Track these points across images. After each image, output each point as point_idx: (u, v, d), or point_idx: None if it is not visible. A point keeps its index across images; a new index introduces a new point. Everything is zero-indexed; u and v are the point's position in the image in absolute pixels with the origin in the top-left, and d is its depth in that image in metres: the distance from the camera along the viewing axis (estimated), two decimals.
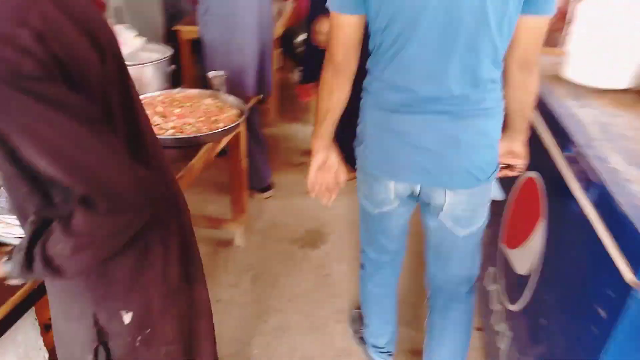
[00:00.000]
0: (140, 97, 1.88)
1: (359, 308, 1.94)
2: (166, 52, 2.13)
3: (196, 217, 2.58)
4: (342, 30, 1.20)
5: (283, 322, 2.03)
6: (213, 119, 1.83)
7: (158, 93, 1.97)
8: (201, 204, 2.78)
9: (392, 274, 1.70)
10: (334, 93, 1.29)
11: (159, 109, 1.82)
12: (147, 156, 0.87)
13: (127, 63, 0.88)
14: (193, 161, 1.66)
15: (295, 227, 2.62)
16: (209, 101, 1.96)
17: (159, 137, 1.66)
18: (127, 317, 0.92)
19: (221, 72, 2.13)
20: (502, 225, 1.78)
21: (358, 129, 1.37)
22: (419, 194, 1.34)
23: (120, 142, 0.78)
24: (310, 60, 2.75)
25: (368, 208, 1.48)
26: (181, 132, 1.73)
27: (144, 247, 0.88)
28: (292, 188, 2.97)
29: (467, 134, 1.21)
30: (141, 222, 0.78)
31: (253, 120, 2.49)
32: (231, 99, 2.01)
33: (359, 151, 1.38)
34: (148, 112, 1.81)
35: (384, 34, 1.17)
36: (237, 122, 1.83)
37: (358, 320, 1.96)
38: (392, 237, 1.56)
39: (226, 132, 1.80)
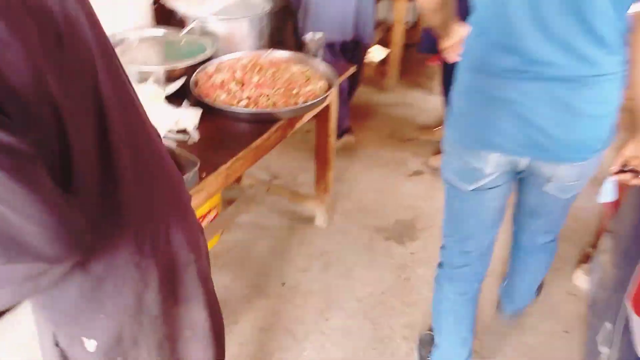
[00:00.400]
0: (224, 58, 1.73)
1: (431, 330, 1.67)
2: (264, 6, 1.92)
3: (279, 187, 2.48)
4: None
5: (345, 324, 1.83)
6: (294, 91, 1.61)
7: (243, 54, 1.79)
8: (293, 170, 2.63)
9: (475, 277, 1.47)
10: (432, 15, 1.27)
11: (238, 74, 1.64)
12: (116, 168, 0.69)
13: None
14: (257, 142, 1.47)
15: (386, 214, 2.35)
16: (297, 68, 1.74)
17: (227, 108, 1.51)
18: (90, 345, 0.78)
19: (319, 34, 1.89)
20: (632, 278, 1.34)
21: (451, 94, 1.24)
22: (522, 167, 1.22)
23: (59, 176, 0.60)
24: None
25: (458, 186, 1.31)
26: (255, 105, 1.55)
27: (99, 276, 0.72)
28: (395, 167, 2.67)
29: (587, 104, 1.08)
30: (64, 267, 0.61)
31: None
32: (323, 67, 1.77)
33: (451, 121, 1.25)
34: (226, 76, 1.66)
35: None
36: (318, 99, 1.59)
37: (428, 344, 1.69)
38: (486, 222, 1.37)
39: (304, 109, 1.58)
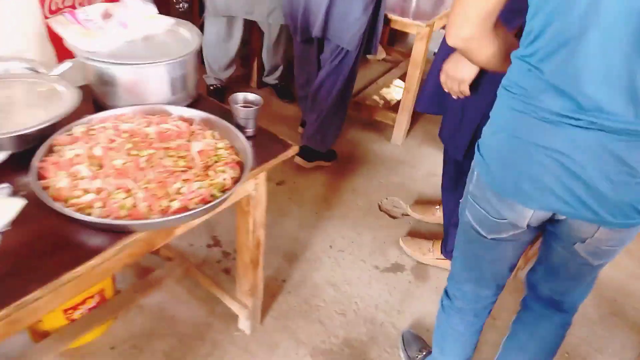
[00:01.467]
0: (107, 114, 1.24)
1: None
2: (192, 44, 1.40)
3: (201, 270, 1.85)
4: None
5: None
6: (174, 187, 1.09)
7: (133, 111, 1.28)
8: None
9: (485, 314, 1.42)
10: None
11: (98, 150, 1.13)
12: None
13: None
14: (81, 267, 0.96)
15: (336, 325, 1.80)
16: (206, 142, 1.22)
17: (57, 207, 1.00)
18: None
19: (253, 96, 1.36)
20: None
21: (484, 132, 1.12)
22: (557, 221, 1.12)
23: None
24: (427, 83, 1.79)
25: (478, 231, 1.22)
26: (103, 204, 1.04)
27: None
28: (370, 253, 2.11)
29: None
30: None
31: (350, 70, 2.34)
32: (244, 145, 1.23)
33: (481, 161, 1.11)
34: (83, 150, 1.16)
35: (553, 14, 0.89)
36: (202, 207, 1.06)
37: (413, 343, 1.70)
38: (504, 268, 1.31)
39: (176, 220, 1.05)
